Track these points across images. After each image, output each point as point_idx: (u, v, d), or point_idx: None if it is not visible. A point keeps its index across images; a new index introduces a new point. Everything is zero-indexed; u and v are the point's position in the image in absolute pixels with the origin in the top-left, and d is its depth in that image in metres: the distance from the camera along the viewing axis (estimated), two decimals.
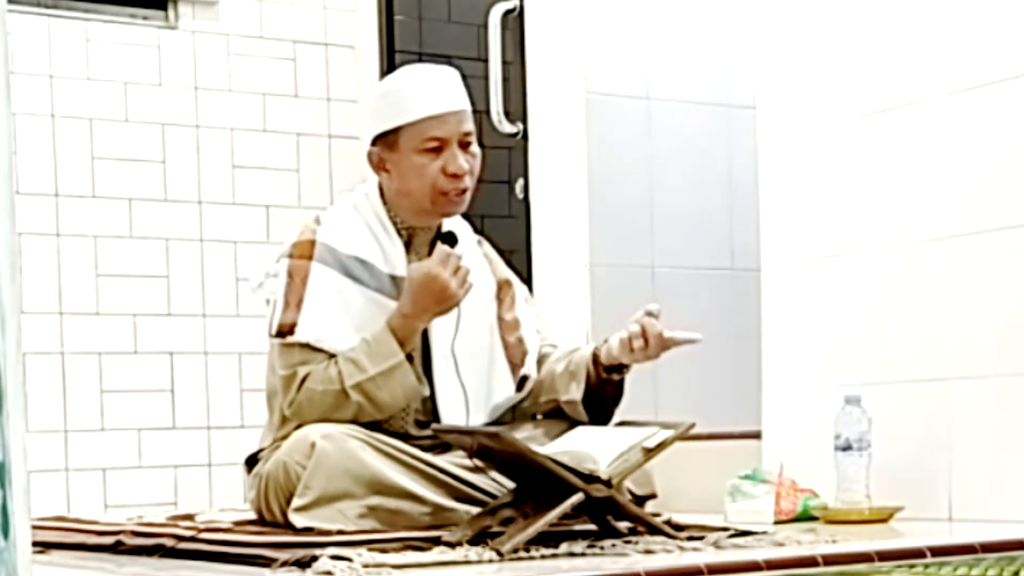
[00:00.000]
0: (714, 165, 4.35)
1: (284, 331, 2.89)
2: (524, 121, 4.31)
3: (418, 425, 2.96)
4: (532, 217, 4.28)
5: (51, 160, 4.41)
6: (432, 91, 2.94)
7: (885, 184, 3.23)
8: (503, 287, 3.12)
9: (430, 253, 2.96)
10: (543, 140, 4.25)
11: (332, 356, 2.88)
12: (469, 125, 2.96)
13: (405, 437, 2.91)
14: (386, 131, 2.94)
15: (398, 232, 2.99)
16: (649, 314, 2.89)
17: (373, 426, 2.88)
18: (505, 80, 4.35)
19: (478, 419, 3.00)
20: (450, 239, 2.96)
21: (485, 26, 4.39)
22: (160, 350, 4.53)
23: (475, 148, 2.97)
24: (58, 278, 4.40)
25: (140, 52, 4.56)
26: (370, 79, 4.78)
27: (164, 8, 4.60)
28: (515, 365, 3.06)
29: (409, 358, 2.88)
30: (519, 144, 4.38)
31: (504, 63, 4.36)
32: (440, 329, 2.96)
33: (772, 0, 3.56)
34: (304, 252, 2.93)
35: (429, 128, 2.91)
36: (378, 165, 2.98)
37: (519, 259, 4.19)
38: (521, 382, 3.06)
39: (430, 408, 2.97)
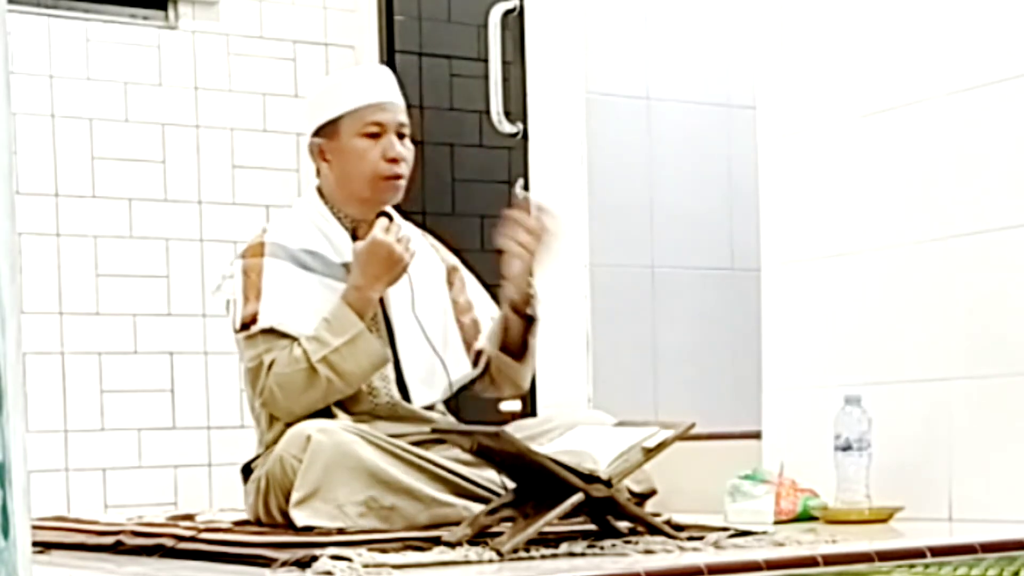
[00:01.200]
0: (714, 165, 4.35)
1: (247, 323, 2.98)
2: (524, 121, 4.31)
3: (401, 395, 3.02)
4: None
5: (51, 160, 4.40)
6: (370, 83, 3.11)
7: (885, 184, 3.23)
8: (452, 272, 3.23)
9: None
10: (543, 140, 4.25)
11: (294, 341, 2.94)
12: (405, 118, 3.11)
13: (398, 418, 2.97)
14: (327, 121, 3.07)
15: (342, 225, 3.09)
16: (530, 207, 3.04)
17: (361, 408, 2.95)
18: (505, 80, 4.35)
19: (441, 386, 3.10)
20: (386, 217, 3.08)
21: (485, 26, 4.39)
22: (160, 350, 4.53)
23: (408, 143, 3.10)
24: (58, 278, 4.40)
25: (140, 52, 4.56)
26: None
27: (164, 8, 4.60)
28: (469, 344, 3.17)
29: (369, 331, 2.96)
30: (519, 144, 4.38)
31: (504, 63, 4.36)
32: (397, 298, 3.06)
33: (772, 0, 3.56)
34: (256, 252, 3.04)
35: (369, 114, 3.05)
36: (319, 155, 3.09)
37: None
38: (476, 358, 3.17)
39: (397, 377, 3.04)
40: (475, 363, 3.17)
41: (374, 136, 3.05)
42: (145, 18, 4.58)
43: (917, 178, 3.16)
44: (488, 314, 3.22)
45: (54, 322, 4.38)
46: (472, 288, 3.25)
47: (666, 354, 4.20)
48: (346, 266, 3.02)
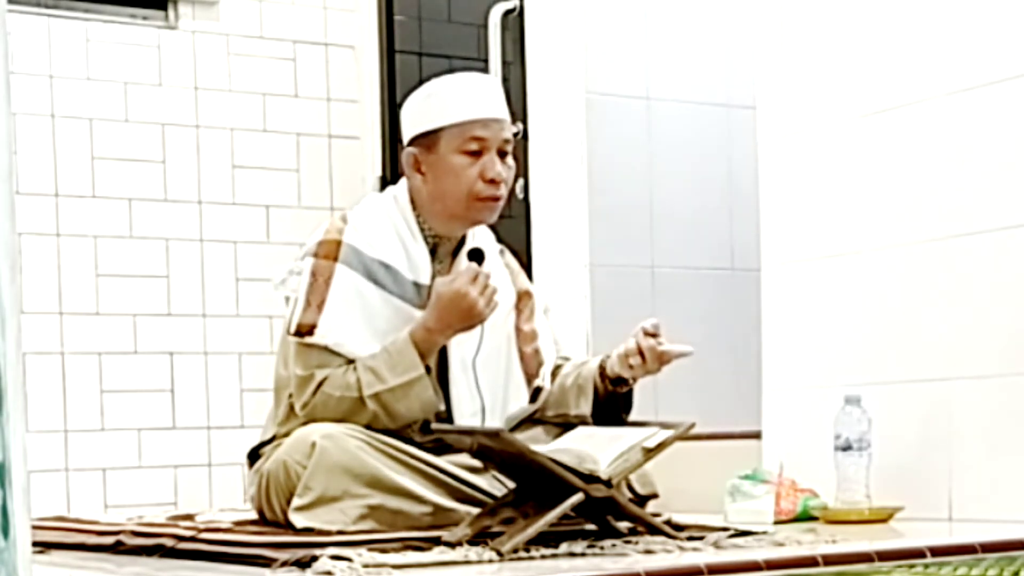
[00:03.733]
0: (714, 165, 4.35)
1: (303, 331, 2.87)
2: (524, 121, 4.31)
3: (423, 429, 2.95)
4: (532, 217, 4.28)
5: (51, 160, 4.41)
6: (477, 95, 2.94)
7: (885, 184, 3.23)
8: (522, 298, 3.11)
9: (452, 263, 2.98)
10: (543, 140, 4.25)
11: (350, 361, 2.87)
12: (509, 134, 2.96)
13: (408, 440, 2.91)
14: (426, 132, 2.93)
15: (424, 239, 2.98)
16: (647, 333, 2.90)
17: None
18: (505, 80, 4.34)
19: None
20: (478, 256, 2.93)
21: (485, 26, 4.39)
22: (160, 350, 4.53)
23: (510, 160, 2.96)
24: (58, 278, 4.40)
25: (140, 52, 4.56)
26: (370, 79, 4.79)
27: (164, 8, 4.60)
28: (530, 376, 3.06)
29: (427, 369, 2.87)
30: (519, 144, 4.38)
31: (504, 63, 4.36)
32: (461, 343, 2.95)
33: (772, 0, 3.56)
34: (330, 253, 2.91)
35: (472, 130, 2.90)
36: (414, 166, 2.95)
37: (519, 259, 4.19)
38: (535, 393, 3.06)
39: (444, 420, 2.95)
40: (533, 398, 3.05)
41: (474, 154, 2.90)
42: (145, 18, 4.58)
43: (917, 178, 3.16)
44: (551, 343, 3.12)
45: (54, 322, 4.38)
46: (540, 316, 3.13)
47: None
48: (417, 286, 2.92)
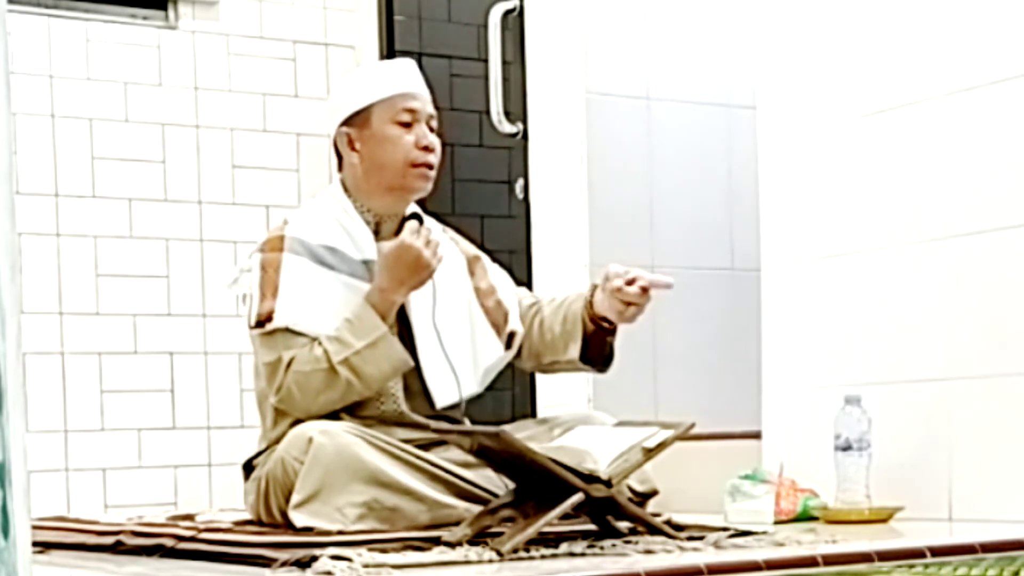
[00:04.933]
0: (714, 165, 4.35)
1: (263, 320, 2.94)
2: (524, 121, 4.31)
3: (409, 402, 2.97)
4: (532, 217, 4.28)
5: (51, 160, 4.41)
6: (402, 73, 3.10)
7: (885, 184, 3.23)
8: (473, 261, 3.20)
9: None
10: (543, 140, 4.25)
11: (313, 340, 2.91)
12: (433, 111, 3.10)
13: (402, 424, 2.93)
14: (358, 111, 3.05)
15: (365, 221, 3.06)
16: (617, 276, 2.97)
17: (368, 413, 2.91)
18: (505, 80, 4.35)
19: (469, 387, 3.06)
20: (416, 218, 3.06)
21: (485, 26, 4.39)
22: (160, 350, 4.53)
23: (436, 137, 3.08)
24: (58, 278, 4.40)
25: (140, 52, 4.56)
26: None
27: (164, 8, 4.60)
28: (498, 326, 3.13)
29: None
30: (519, 144, 4.38)
31: (504, 63, 4.36)
32: (419, 303, 3.02)
33: (772, 0, 3.56)
34: (275, 246, 3.00)
35: (403, 102, 3.05)
36: (349, 145, 3.07)
37: (519, 259, 4.19)
38: (509, 341, 3.12)
39: (419, 385, 3.00)
40: (508, 345, 3.12)
41: (406, 125, 3.04)
42: (145, 18, 4.58)
43: (917, 178, 3.16)
44: (512, 294, 3.18)
45: (54, 322, 4.38)
46: (494, 273, 3.21)
47: (666, 354, 4.20)
48: (367, 263, 3.00)
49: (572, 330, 3.08)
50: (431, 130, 3.07)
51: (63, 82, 4.44)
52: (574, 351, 3.07)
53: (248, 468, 3.04)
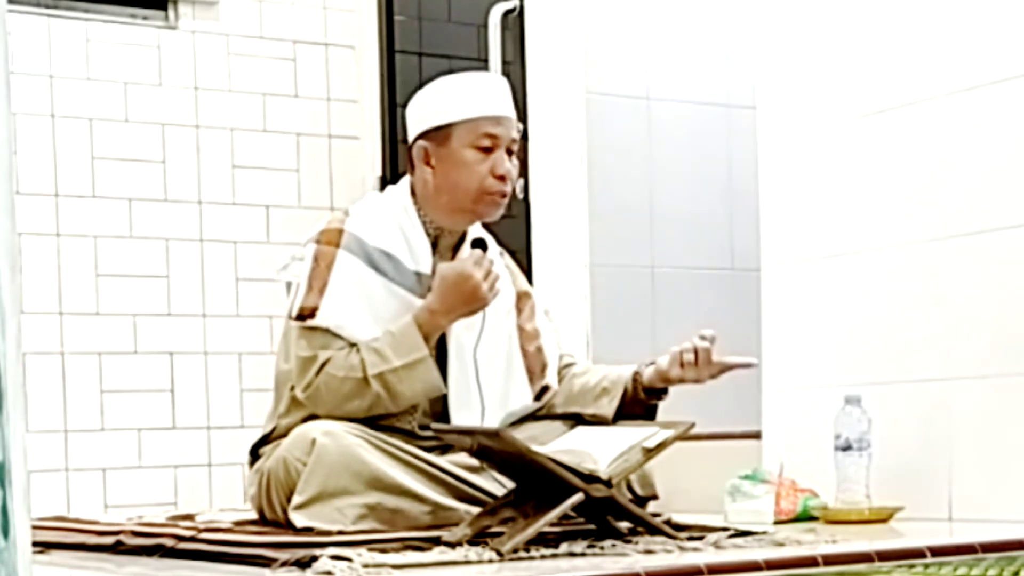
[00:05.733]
0: (714, 165, 4.35)
1: (305, 314, 2.89)
2: (524, 121, 4.31)
3: (421, 427, 2.95)
4: (532, 217, 4.28)
5: (51, 160, 4.41)
6: (490, 94, 3.00)
7: (885, 184, 3.23)
8: (522, 298, 3.14)
9: (453, 257, 2.99)
10: (543, 140, 4.25)
11: (351, 344, 2.88)
12: (517, 135, 3.00)
13: (408, 435, 2.92)
14: (439, 126, 2.96)
15: (426, 232, 3.00)
16: (703, 338, 2.93)
17: (377, 424, 2.88)
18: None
19: (492, 425, 3.00)
20: (482, 245, 2.98)
21: (485, 26, 4.39)
22: (160, 350, 4.53)
23: (516, 160, 3.00)
24: (58, 278, 4.40)
25: (140, 52, 4.56)
26: (370, 79, 4.78)
27: (164, 8, 4.60)
28: (533, 374, 3.08)
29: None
30: (519, 144, 4.38)
31: (504, 63, 4.36)
32: (461, 333, 2.97)
33: (772, 0, 3.56)
34: (331, 239, 2.94)
35: (485, 126, 2.95)
36: (424, 159, 2.98)
37: (519, 259, 4.19)
38: (540, 392, 3.08)
39: (440, 410, 2.97)
40: (538, 397, 3.08)
41: (486, 150, 2.94)
42: (145, 18, 4.58)
43: (917, 178, 3.16)
44: (554, 346, 3.14)
45: (54, 322, 4.38)
46: (540, 317, 3.16)
47: (666, 354, 4.19)
48: (419, 275, 2.94)
49: (611, 388, 3.04)
50: (510, 154, 2.98)
51: (63, 82, 4.44)
52: (607, 408, 3.02)
53: (254, 455, 3.02)
